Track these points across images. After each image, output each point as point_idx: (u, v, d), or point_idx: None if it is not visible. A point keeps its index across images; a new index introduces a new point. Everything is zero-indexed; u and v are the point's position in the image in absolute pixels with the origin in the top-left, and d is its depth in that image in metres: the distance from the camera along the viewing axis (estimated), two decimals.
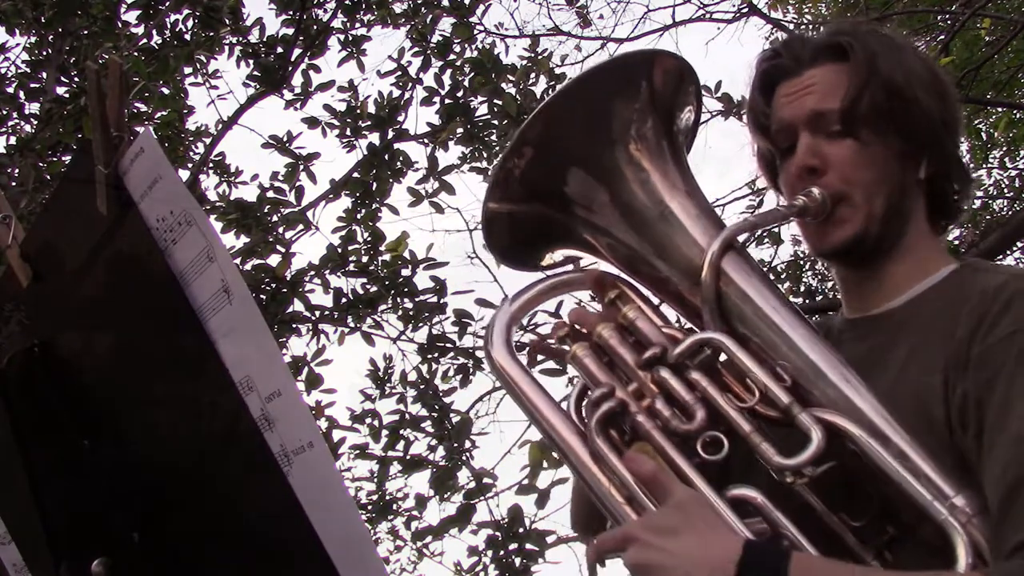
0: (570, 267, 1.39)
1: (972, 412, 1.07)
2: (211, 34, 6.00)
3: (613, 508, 1.14)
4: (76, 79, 6.09)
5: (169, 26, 5.95)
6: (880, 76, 1.24)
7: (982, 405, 1.06)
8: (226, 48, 6.25)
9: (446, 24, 6.37)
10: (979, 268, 1.24)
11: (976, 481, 1.05)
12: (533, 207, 1.30)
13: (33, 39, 6.27)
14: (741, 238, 1.22)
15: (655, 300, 1.29)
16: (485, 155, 6.26)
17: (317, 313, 5.61)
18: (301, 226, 5.83)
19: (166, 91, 6.14)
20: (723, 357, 1.19)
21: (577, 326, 1.28)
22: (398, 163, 6.11)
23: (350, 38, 6.31)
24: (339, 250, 5.71)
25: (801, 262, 7.55)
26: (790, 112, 1.29)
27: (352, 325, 5.74)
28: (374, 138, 6.12)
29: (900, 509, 1.08)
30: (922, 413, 1.11)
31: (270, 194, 5.86)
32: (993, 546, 1.00)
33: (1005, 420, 1.03)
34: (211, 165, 6.48)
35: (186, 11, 5.87)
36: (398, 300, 5.76)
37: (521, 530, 5.25)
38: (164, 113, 6.21)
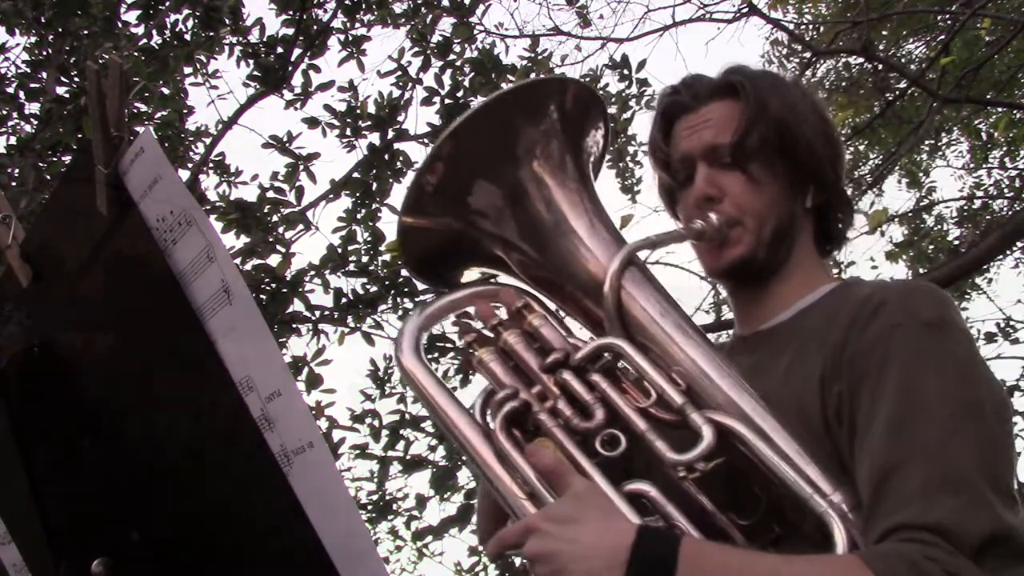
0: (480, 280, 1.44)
1: (846, 409, 1.15)
2: (211, 34, 6.01)
3: (515, 505, 1.17)
4: (76, 79, 6.09)
5: (169, 26, 5.96)
6: (769, 114, 1.35)
7: (854, 402, 1.15)
8: (226, 48, 6.26)
9: (446, 24, 6.39)
10: (853, 284, 1.35)
11: (848, 473, 1.13)
12: (446, 222, 1.35)
13: (33, 39, 6.27)
14: (642, 255, 1.30)
15: (561, 313, 1.35)
16: None
17: (317, 313, 5.61)
18: (301, 226, 5.83)
19: (166, 91, 6.15)
20: (623, 365, 1.25)
21: (479, 323, 1.34)
22: (398, 163, 6.11)
23: (350, 38, 6.32)
24: (339, 250, 5.71)
25: None
26: (688, 145, 1.39)
27: (352, 325, 5.74)
28: (374, 138, 6.13)
29: (785, 507, 1.14)
30: (802, 414, 1.19)
31: (270, 194, 5.85)
32: (866, 532, 1.07)
33: (874, 417, 1.12)
34: (211, 165, 6.49)
35: (186, 11, 5.88)
36: (398, 300, 5.76)
37: None
38: (164, 113, 6.22)
